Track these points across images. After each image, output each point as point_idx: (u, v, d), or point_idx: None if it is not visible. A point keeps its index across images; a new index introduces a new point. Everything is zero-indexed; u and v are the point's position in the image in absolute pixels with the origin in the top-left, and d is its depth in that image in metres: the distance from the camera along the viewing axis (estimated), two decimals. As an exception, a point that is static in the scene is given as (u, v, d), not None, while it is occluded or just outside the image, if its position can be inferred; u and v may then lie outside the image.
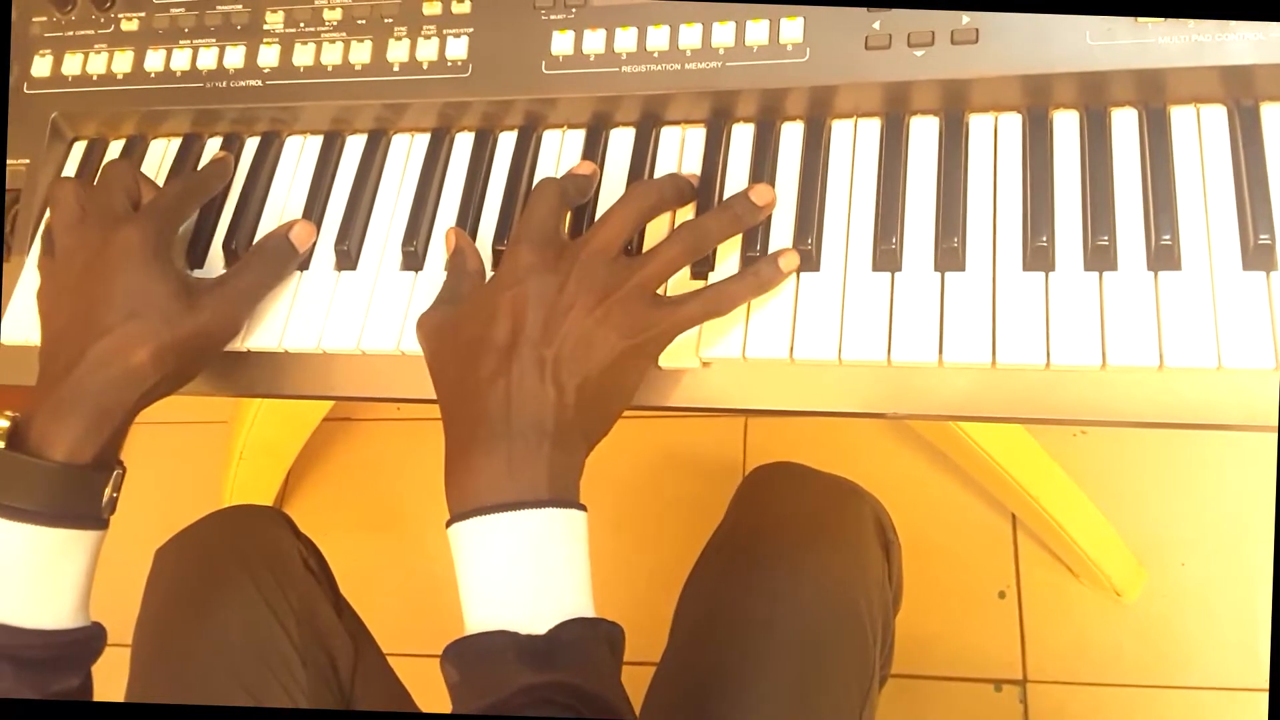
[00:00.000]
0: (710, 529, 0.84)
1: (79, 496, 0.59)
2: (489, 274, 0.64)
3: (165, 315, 0.60)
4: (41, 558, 0.57)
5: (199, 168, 0.71)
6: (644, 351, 0.58)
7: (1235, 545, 1.28)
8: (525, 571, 0.53)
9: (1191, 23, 0.57)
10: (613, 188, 0.65)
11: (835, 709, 0.72)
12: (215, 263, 0.69)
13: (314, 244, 0.68)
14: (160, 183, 0.71)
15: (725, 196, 0.63)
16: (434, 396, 0.64)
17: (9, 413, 0.59)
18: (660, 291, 0.59)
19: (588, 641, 0.53)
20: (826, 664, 0.73)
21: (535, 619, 0.52)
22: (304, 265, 0.68)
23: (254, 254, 0.66)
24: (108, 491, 0.60)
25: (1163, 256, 0.55)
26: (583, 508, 0.55)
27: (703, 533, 0.84)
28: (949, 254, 0.58)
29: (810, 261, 0.60)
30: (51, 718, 0.58)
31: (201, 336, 0.62)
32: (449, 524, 0.55)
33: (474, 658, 0.53)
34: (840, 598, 0.74)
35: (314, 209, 0.69)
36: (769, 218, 0.62)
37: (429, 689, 0.97)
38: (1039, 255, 0.56)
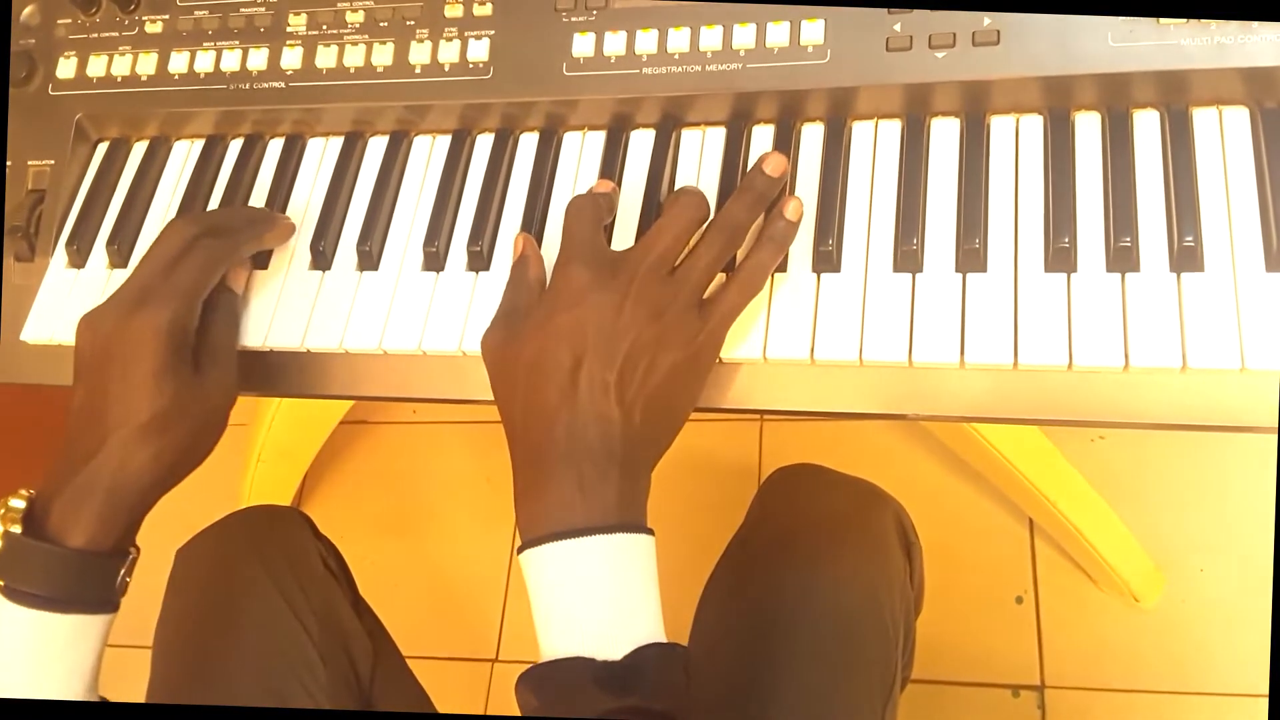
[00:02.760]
0: (727, 531, 0.84)
1: (94, 583, 0.59)
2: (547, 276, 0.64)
3: (182, 404, 0.60)
4: (54, 644, 0.58)
5: (232, 223, 0.67)
6: (701, 361, 0.58)
7: (1253, 550, 1.27)
8: (599, 597, 0.53)
9: (1213, 24, 0.57)
10: (634, 189, 0.65)
11: (859, 710, 0.72)
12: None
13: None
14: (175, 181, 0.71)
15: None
16: (454, 396, 0.65)
17: (25, 492, 0.59)
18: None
19: (664, 665, 0.53)
20: (850, 665, 0.72)
21: (611, 644, 0.52)
22: (326, 266, 0.68)
23: (212, 310, 0.65)
24: (121, 575, 0.61)
25: (1185, 258, 0.55)
26: (650, 531, 0.55)
27: (720, 534, 0.84)
28: (971, 255, 0.58)
29: (831, 262, 0.60)
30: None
31: (215, 414, 0.63)
32: (520, 550, 0.55)
33: (552, 685, 0.53)
34: (864, 599, 0.74)
35: (336, 209, 0.70)
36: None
37: (446, 691, 0.98)
38: (1061, 256, 0.56)
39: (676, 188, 0.63)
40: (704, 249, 0.58)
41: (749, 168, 0.64)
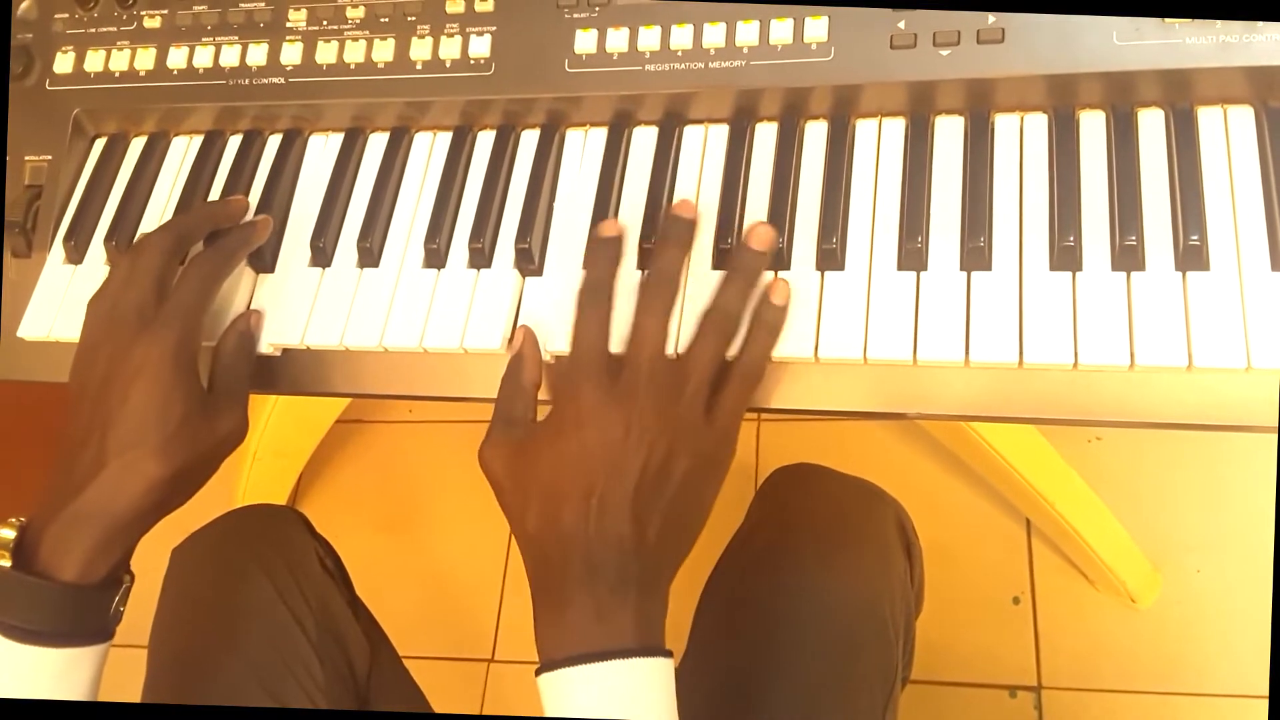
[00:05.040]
0: (724, 531, 0.84)
1: (87, 615, 0.58)
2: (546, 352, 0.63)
3: (182, 433, 0.59)
4: (46, 678, 0.56)
5: (199, 227, 0.66)
6: (716, 464, 0.58)
7: (1251, 551, 1.27)
8: None
9: (1219, 23, 0.57)
10: (636, 188, 0.65)
11: (860, 709, 0.71)
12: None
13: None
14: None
15: (747, 197, 0.63)
16: (454, 394, 0.65)
17: (15, 520, 0.58)
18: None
19: None
20: (851, 664, 0.72)
21: None
22: (326, 263, 0.68)
23: (228, 350, 0.64)
24: (115, 604, 0.59)
25: (1191, 257, 0.55)
26: (668, 654, 0.55)
27: (717, 534, 0.84)
28: (975, 253, 0.57)
29: (835, 261, 0.60)
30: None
31: (218, 446, 0.61)
32: (538, 672, 0.55)
33: None
34: (864, 598, 0.74)
35: (336, 206, 0.69)
36: (792, 220, 0.61)
37: (442, 691, 0.97)
38: (1066, 255, 0.56)
39: (656, 263, 0.60)
40: (701, 344, 0.57)
41: (751, 165, 0.64)
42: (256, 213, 0.70)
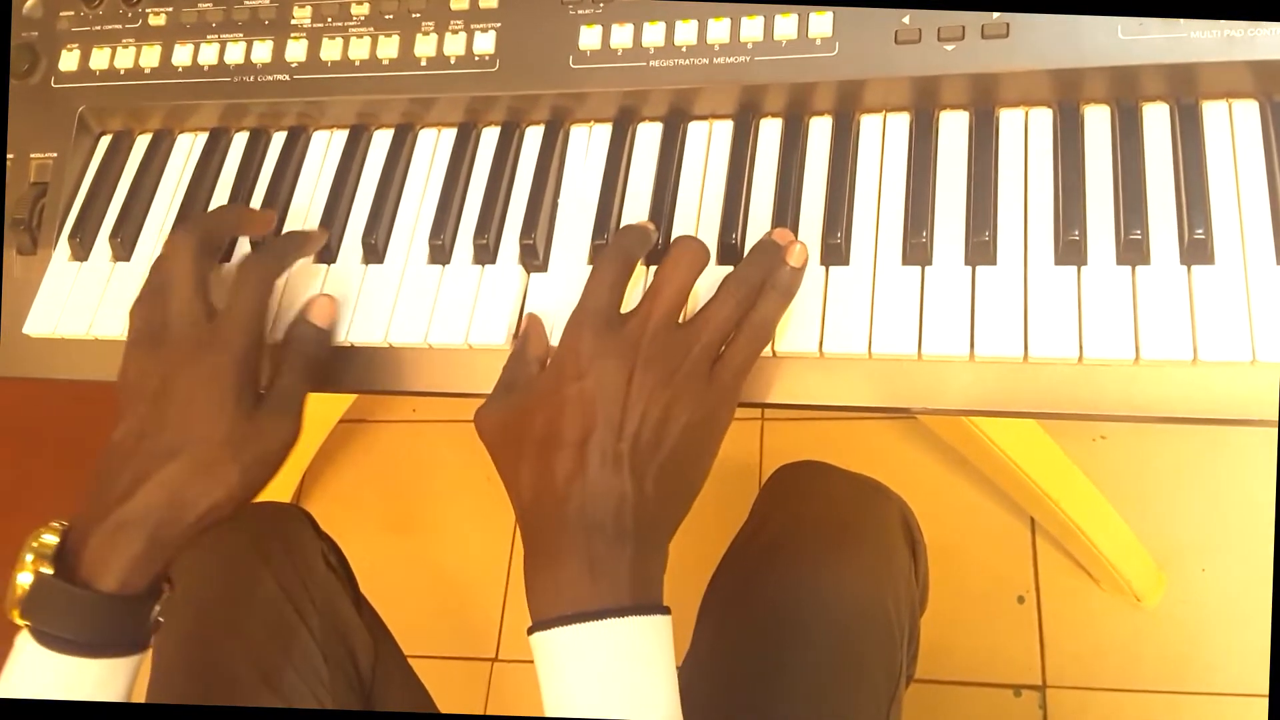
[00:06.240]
0: (729, 530, 0.84)
1: (127, 627, 0.57)
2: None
3: (234, 443, 0.58)
4: (82, 688, 0.55)
5: (275, 243, 0.66)
6: (716, 421, 0.56)
7: (1256, 550, 1.27)
8: (609, 682, 0.51)
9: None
10: (641, 183, 0.65)
11: (864, 707, 0.71)
12: (241, 253, 0.69)
13: (335, 316, 0.65)
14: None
15: (751, 193, 0.63)
16: (460, 390, 0.65)
17: (58, 524, 0.57)
18: None
19: None
20: (856, 662, 0.72)
21: None
22: (331, 259, 0.68)
23: (287, 350, 0.63)
24: (155, 614, 0.59)
25: (1196, 251, 0.55)
26: (666, 610, 0.54)
27: (721, 533, 0.84)
28: (980, 248, 0.57)
29: (840, 256, 0.60)
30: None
31: (270, 454, 0.60)
32: (530, 631, 0.53)
33: None
34: (869, 596, 0.74)
35: (341, 203, 0.69)
36: (797, 215, 0.61)
37: (446, 690, 0.97)
38: (1071, 249, 0.56)
39: (675, 236, 0.60)
40: (716, 307, 0.56)
41: (756, 161, 0.64)
42: (261, 209, 0.70)
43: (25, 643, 0.55)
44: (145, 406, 0.58)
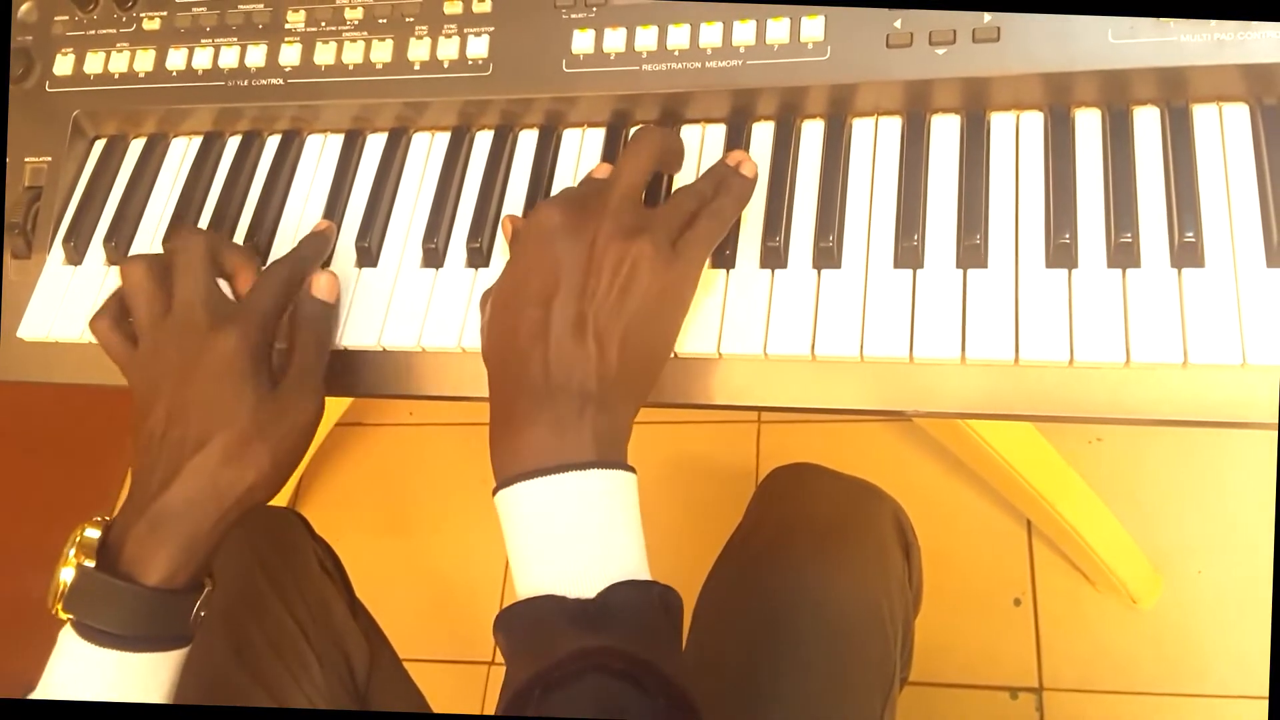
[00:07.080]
0: (724, 533, 0.84)
1: (170, 620, 0.57)
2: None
3: (260, 424, 0.58)
4: (127, 683, 0.55)
5: (299, 249, 0.66)
6: (677, 293, 0.57)
7: (1252, 552, 1.27)
8: (571, 534, 0.52)
9: (1213, 21, 0.57)
10: (633, 186, 0.65)
11: (858, 709, 0.71)
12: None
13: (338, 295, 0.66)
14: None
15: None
16: (453, 394, 0.65)
17: (100, 518, 0.57)
18: None
19: (639, 605, 0.51)
20: (849, 664, 0.72)
21: (584, 583, 0.51)
22: (325, 262, 0.68)
23: (297, 328, 0.63)
24: (196, 609, 0.59)
25: (1186, 254, 0.55)
26: (631, 469, 0.54)
27: (717, 536, 0.84)
28: (971, 251, 0.58)
29: (832, 259, 0.60)
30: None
31: (298, 431, 0.60)
32: (495, 491, 0.54)
33: (523, 624, 0.51)
34: (862, 598, 0.74)
35: (335, 206, 0.69)
36: (789, 218, 0.62)
37: (442, 694, 0.97)
38: (1062, 252, 0.56)
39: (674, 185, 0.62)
40: (687, 192, 0.59)
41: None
42: (254, 215, 0.70)
43: (68, 638, 0.55)
44: (166, 399, 0.59)
